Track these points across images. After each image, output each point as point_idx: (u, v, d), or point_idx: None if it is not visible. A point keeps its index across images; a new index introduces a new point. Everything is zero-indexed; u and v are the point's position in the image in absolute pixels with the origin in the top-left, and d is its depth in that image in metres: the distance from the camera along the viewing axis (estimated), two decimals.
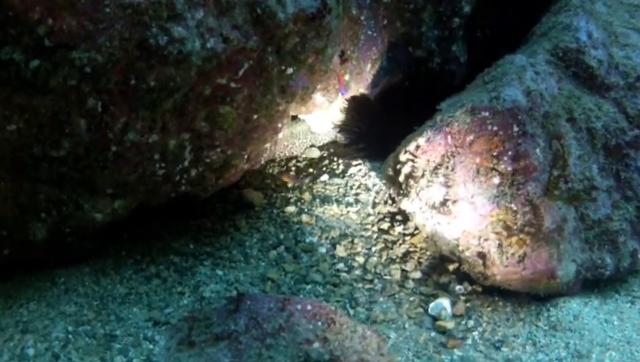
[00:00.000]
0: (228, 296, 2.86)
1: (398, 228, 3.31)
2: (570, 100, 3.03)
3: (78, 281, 2.96)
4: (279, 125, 2.95)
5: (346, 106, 3.68)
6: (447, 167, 2.85)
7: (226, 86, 2.58)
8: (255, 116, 2.79)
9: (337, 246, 3.21)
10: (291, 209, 3.43)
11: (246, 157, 2.98)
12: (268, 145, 3.07)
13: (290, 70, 2.75)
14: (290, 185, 3.60)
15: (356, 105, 3.65)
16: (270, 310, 2.37)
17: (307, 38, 2.71)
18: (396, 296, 3.01)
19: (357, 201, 3.49)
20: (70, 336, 2.65)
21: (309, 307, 2.37)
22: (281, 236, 3.26)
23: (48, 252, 2.88)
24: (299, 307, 2.38)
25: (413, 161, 2.93)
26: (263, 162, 3.15)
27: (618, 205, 3.06)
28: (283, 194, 3.54)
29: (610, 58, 3.15)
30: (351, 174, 3.67)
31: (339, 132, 3.86)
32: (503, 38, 3.84)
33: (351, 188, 3.58)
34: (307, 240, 3.23)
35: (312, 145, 3.92)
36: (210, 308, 2.67)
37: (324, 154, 3.87)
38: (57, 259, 2.98)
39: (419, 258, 3.18)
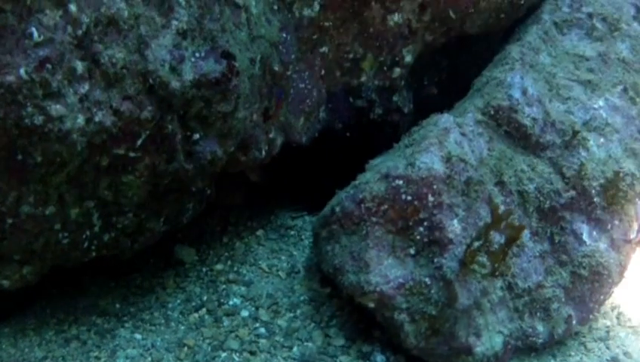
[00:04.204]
0: None
1: (327, 289, 3.20)
2: (501, 162, 2.91)
3: None
4: (194, 189, 2.85)
5: (283, 158, 3.58)
6: (360, 237, 2.73)
7: (125, 156, 2.49)
8: (165, 181, 2.70)
9: (260, 309, 3.10)
10: (220, 267, 3.33)
11: (162, 219, 2.89)
12: (190, 205, 2.98)
13: (196, 135, 2.66)
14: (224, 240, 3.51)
15: (293, 158, 3.55)
16: None
17: (212, 102, 2.61)
18: None
19: (290, 258, 3.38)
20: None
21: None
22: (205, 298, 3.17)
23: None
24: None
25: (329, 227, 2.82)
26: (186, 221, 3.04)
27: (552, 271, 2.94)
28: (216, 250, 3.45)
29: (546, 115, 3.03)
30: (288, 228, 3.57)
31: (279, 184, 3.75)
32: (454, 86, 3.74)
33: (285, 243, 3.48)
34: (230, 303, 3.13)
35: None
36: None
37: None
38: None
39: (345, 321, 3.06)
